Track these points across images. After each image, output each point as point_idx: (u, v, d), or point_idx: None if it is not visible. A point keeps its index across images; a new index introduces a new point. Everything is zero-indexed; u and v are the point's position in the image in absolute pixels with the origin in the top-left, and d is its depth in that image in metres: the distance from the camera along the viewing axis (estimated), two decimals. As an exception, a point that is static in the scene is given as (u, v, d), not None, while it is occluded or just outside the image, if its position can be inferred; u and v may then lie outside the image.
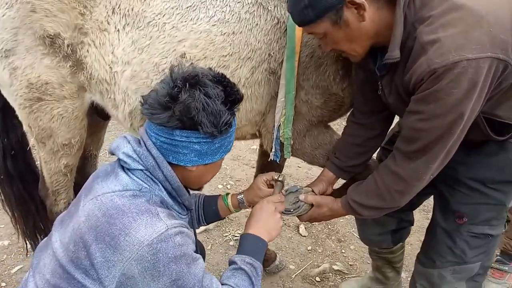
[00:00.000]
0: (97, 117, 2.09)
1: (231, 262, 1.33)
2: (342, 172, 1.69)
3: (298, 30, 1.53)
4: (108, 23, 1.59)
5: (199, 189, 1.42)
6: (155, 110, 1.19)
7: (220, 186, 3.41)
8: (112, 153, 1.28)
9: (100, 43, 1.62)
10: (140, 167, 1.21)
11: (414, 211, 1.97)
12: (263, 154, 2.26)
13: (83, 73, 1.67)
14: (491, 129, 1.31)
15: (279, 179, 1.59)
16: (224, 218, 1.71)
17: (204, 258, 1.75)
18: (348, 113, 1.76)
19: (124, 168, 1.24)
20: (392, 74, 1.32)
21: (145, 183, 1.22)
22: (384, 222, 1.88)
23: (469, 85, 1.10)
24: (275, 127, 1.71)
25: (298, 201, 1.60)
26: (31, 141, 2.11)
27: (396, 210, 1.69)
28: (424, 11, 1.16)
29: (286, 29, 1.57)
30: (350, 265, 2.62)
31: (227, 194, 1.66)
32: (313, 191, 1.65)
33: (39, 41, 1.59)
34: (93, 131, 2.20)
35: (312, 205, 1.60)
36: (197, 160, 1.24)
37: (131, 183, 1.20)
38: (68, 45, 1.60)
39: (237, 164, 3.74)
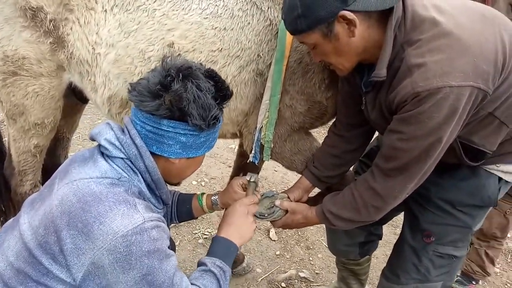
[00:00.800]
0: (75, 99, 2.01)
1: (201, 264, 1.31)
2: (319, 182, 1.69)
3: (289, 35, 1.51)
4: (96, 2, 1.54)
5: (177, 184, 1.40)
6: (144, 98, 1.16)
7: (194, 183, 3.36)
8: (93, 139, 1.24)
9: (85, 22, 1.56)
10: (122, 155, 1.18)
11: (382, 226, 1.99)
12: (241, 154, 2.24)
13: (64, 52, 1.60)
14: (465, 154, 1.35)
15: (252, 180, 1.58)
16: (197, 218, 1.68)
17: (174, 249, 1.72)
18: (331, 123, 1.77)
19: (104, 155, 1.20)
20: (376, 91, 1.34)
21: (124, 172, 1.19)
22: (353, 233, 1.90)
23: (449, 111, 1.13)
24: (257, 129, 1.69)
25: (273, 206, 1.60)
26: (1, 116, 2.02)
27: (371, 224, 1.70)
28: (414, 34, 1.19)
29: (277, 32, 1.56)
30: (316, 273, 2.63)
31: (202, 194, 1.64)
32: (288, 197, 1.65)
33: (20, 12, 1.52)
34: (68, 113, 2.12)
35: (286, 211, 1.60)
36: (181, 152, 1.22)
37: (110, 171, 1.17)
38: (50, 20, 1.53)
39: (213, 162, 3.70)
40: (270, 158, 1.80)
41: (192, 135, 1.20)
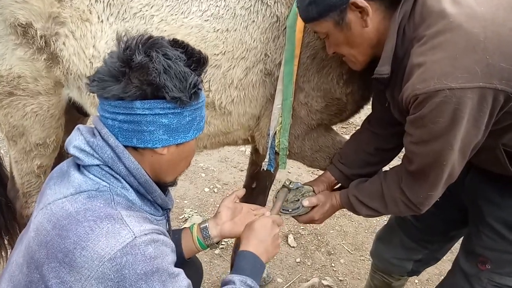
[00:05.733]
0: (77, 113, 1.93)
1: (229, 281, 1.13)
2: (346, 179, 1.55)
3: (299, 32, 1.42)
4: (90, 13, 1.45)
5: (174, 184, 1.19)
6: (106, 83, 0.98)
7: (206, 189, 3.28)
8: (67, 150, 1.08)
9: (80, 35, 1.47)
10: (96, 162, 1.01)
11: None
12: (254, 163, 2.15)
13: (59, 68, 1.52)
14: None
15: (291, 186, 1.49)
16: (188, 259, 1.40)
17: (202, 276, 1.56)
18: (363, 119, 1.64)
19: (80, 166, 1.04)
20: (392, 88, 1.25)
21: (103, 180, 1.01)
22: (412, 248, 1.71)
23: (455, 115, 1.02)
24: (270, 136, 1.59)
25: (298, 200, 1.49)
26: (0, 137, 1.96)
27: (433, 242, 1.63)
28: (421, 29, 1.10)
29: (285, 28, 1.45)
30: (340, 280, 2.51)
31: (194, 224, 1.42)
32: (313, 191, 1.54)
33: (11, 29, 1.45)
34: (71, 128, 2.03)
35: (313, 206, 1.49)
36: (167, 138, 1.02)
37: (85, 183, 1.00)
38: (41, 37, 1.45)
39: (225, 167, 3.61)
40: (291, 158, 1.69)
41: (174, 114, 1.01)
